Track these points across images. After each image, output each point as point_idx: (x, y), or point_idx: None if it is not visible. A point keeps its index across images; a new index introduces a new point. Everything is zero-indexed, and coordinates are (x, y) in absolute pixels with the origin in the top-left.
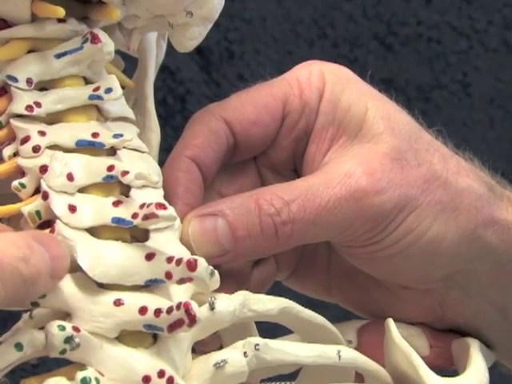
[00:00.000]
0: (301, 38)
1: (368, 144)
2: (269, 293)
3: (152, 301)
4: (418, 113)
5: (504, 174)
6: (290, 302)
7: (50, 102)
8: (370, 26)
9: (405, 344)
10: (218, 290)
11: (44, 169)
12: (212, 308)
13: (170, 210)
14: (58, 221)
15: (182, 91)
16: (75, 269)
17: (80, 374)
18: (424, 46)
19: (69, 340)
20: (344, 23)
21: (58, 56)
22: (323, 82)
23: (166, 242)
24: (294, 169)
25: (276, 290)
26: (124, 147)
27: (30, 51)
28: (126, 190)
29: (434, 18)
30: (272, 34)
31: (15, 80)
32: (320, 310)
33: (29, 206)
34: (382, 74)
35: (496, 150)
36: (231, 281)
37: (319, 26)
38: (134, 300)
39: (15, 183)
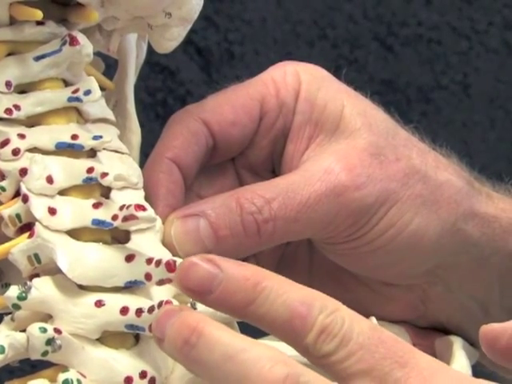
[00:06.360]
0: (301, 38)
1: (346, 140)
2: None
3: (133, 301)
4: (419, 114)
5: (504, 174)
6: None
7: (30, 104)
8: (370, 27)
9: None
10: None
11: (24, 172)
12: (194, 308)
13: (150, 211)
14: (37, 223)
15: (182, 92)
16: (55, 271)
17: (62, 376)
18: (424, 46)
19: (50, 342)
20: (344, 24)
21: (37, 58)
22: (299, 81)
23: (147, 243)
24: (273, 170)
25: None
26: (104, 149)
27: (8, 54)
28: (106, 191)
29: (434, 18)
30: (272, 35)
31: None
32: None
33: (9, 209)
34: (383, 75)
35: (496, 150)
36: None
37: (319, 27)
38: (115, 301)
39: None
